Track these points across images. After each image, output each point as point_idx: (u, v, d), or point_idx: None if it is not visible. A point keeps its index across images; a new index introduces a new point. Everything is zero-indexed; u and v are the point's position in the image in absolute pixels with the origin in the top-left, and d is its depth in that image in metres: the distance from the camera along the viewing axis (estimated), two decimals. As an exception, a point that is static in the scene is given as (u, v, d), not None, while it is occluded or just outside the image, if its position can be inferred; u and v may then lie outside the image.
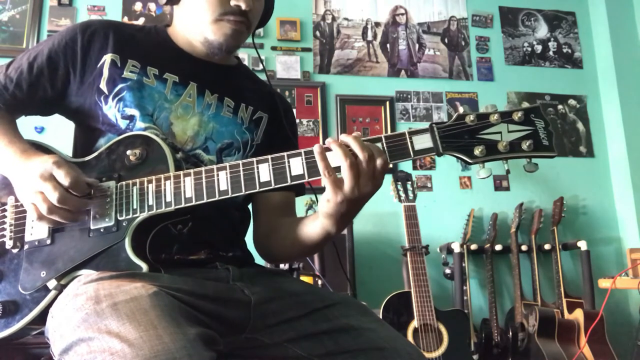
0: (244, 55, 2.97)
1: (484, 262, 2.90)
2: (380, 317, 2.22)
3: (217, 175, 0.87)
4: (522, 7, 3.53)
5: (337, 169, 0.82)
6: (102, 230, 0.88)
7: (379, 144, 0.84)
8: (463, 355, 2.35)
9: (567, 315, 2.67)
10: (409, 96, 3.22)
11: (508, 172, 0.84)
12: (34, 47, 1.04)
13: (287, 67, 3.11)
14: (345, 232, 2.63)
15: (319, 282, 2.23)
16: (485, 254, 2.89)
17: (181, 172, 0.88)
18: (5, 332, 0.87)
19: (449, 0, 3.43)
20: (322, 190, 0.85)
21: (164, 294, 0.77)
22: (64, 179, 0.84)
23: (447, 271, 2.76)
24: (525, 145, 0.82)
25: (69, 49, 1.00)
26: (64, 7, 2.95)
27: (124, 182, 0.90)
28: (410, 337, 2.29)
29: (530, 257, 2.93)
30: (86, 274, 0.86)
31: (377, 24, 3.32)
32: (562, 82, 3.43)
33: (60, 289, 0.85)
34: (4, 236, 0.93)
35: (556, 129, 3.28)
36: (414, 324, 2.33)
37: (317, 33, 3.22)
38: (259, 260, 1.12)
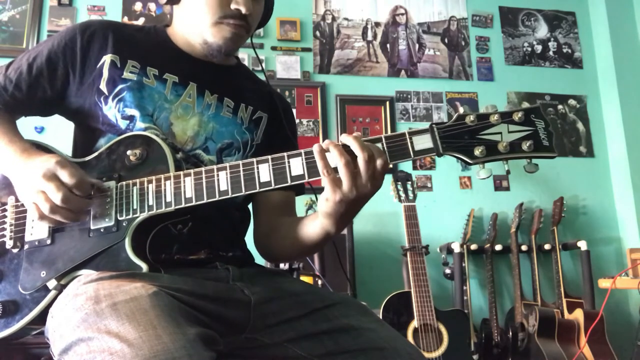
0: (244, 55, 2.97)
1: (484, 262, 2.90)
2: (380, 317, 2.22)
3: (217, 175, 0.87)
4: (522, 7, 3.52)
5: (337, 170, 0.82)
6: (102, 230, 0.88)
7: (379, 144, 0.83)
8: (463, 355, 2.34)
9: (567, 315, 2.66)
10: (409, 96, 3.22)
11: (508, 172, 0.84)
12: (33, 47, 1.04)
13: (287, 67, 3.10)
14: (345, 232, 2.63)
15: (319, 282, 2.23)
16: (485, 254, 2.89)
17: (181, 172, 0.88)
18: (5, 332, 0.87)
19: (449, 0, 3.43)
20: (322, 190, 0.84)
21: (164, 294, 0.77)
22: (68, 178, 0.84)
23: (447, 271, 2.76)
24: (525, 145, 0.82)
25: (69, 50, 1.00)
26: (64, 7, 2.95)
27: (124, 182, 0.90)
28: (410, 337, 2.29)
29: (530, 257, 2.93)
30: (86, 274, 0.86)
31: (377, 24, 3.31)
32: (562, 82, 3.43)
33: (60, 289, 0.85)
34: (4, 236, 0.93)
35: (556, 129, 3.28)
36: (414, 324, 2.33)
37: (317, 33, 3.22)
38: (259, 260, 1.12)
